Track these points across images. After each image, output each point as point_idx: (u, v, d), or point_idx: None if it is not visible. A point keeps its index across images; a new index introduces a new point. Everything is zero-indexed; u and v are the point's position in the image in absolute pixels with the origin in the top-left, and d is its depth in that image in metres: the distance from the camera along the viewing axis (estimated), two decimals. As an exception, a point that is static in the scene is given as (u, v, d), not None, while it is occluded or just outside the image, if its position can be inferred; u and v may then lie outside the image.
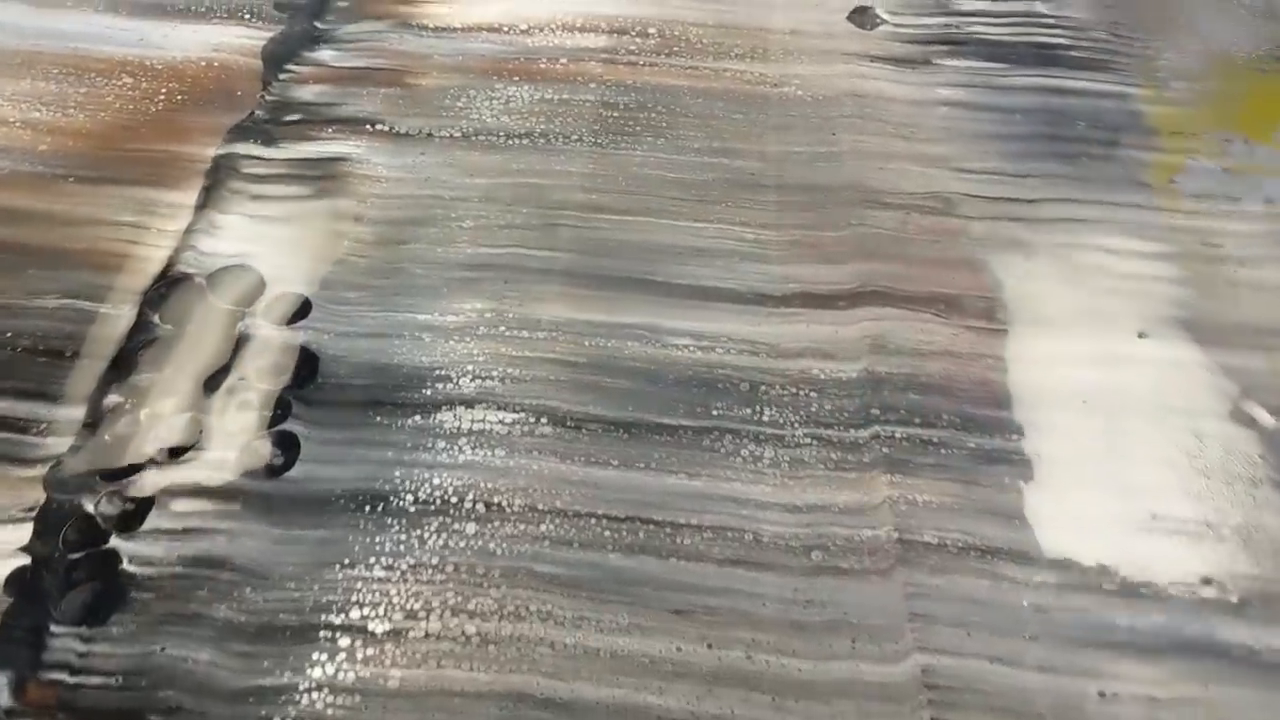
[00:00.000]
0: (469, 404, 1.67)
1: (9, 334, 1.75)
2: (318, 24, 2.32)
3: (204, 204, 1.96)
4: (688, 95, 2.20)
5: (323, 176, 2.02)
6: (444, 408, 1.67)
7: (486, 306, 1.81)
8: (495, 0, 2.39)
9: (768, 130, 2.13)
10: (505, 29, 2.32)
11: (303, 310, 1.80)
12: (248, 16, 2.33)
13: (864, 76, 2.25)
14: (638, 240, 1.93)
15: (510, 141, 2.10)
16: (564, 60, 2.26)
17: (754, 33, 2.33)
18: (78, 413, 1.65)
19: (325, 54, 2.26)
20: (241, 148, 2.06)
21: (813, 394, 1.70)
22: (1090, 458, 1.61)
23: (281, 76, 2.21)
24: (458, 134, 2.11)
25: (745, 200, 2.00)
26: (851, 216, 1.97)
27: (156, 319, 1.77)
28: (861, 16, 2.39)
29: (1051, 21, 2.41)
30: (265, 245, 1.89)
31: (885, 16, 2.38)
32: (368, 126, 2.12)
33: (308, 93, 2.18)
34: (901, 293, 1.83)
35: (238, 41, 2.28)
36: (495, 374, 1.72)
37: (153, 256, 1.87)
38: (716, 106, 2.18)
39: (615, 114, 2.16)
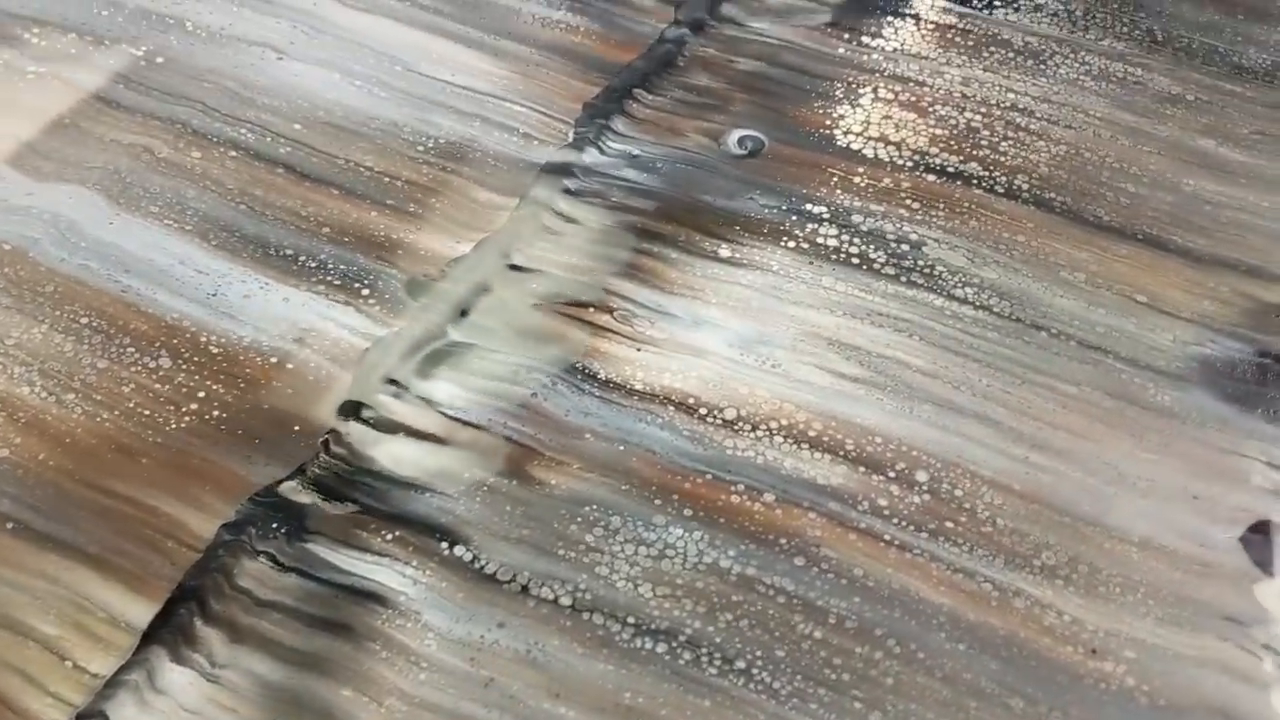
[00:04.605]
0: None
1: None
2: (451, 330, 1.68)
3: (157, 633, 1.35)
4: (944, 628, 1.41)
5: (341, 630, 1.38)
6: None
7: None
8: (705, 356, 1.68)
9: (1062, 752, 1.31)
10: (702, 409, 1.62)
11: None
12: (365, 292, 1.74)
13: (1243, 678, 1.38)
14: None
15: (639, 642, 1.39)
16: (770, 496, 1.53)
17: (1080, 529, 1.52)
18: None
19: (441, 388, 1.64)
20: (254, 537, 1.44)
21: None
22: None
23: (365, 414, 1.57)
24: (566, 600, 1.42)
25: None
26: None
27: None
28: (1265, 547, 1.52)
29: None
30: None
31: (1311, 558, 1.50)
32: (442, 546, 1.46)
33: (388, 454, 1.55)
34: None
35: (335, 332, 1.68)
36: None
37: None
38: (984, 671, 1.38)
39: (818, 634, 1.41)
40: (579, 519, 1.55)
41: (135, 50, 2.18)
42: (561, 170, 2.01)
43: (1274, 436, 1.69)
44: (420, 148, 2.03)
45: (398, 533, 1.52)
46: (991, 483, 1.62)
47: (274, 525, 1.52)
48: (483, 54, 2.22)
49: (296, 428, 1.62)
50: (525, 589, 1.48)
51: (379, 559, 1.49)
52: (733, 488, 1.60)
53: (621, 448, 1.63)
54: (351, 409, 1.64)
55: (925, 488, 1.61)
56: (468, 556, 1.50)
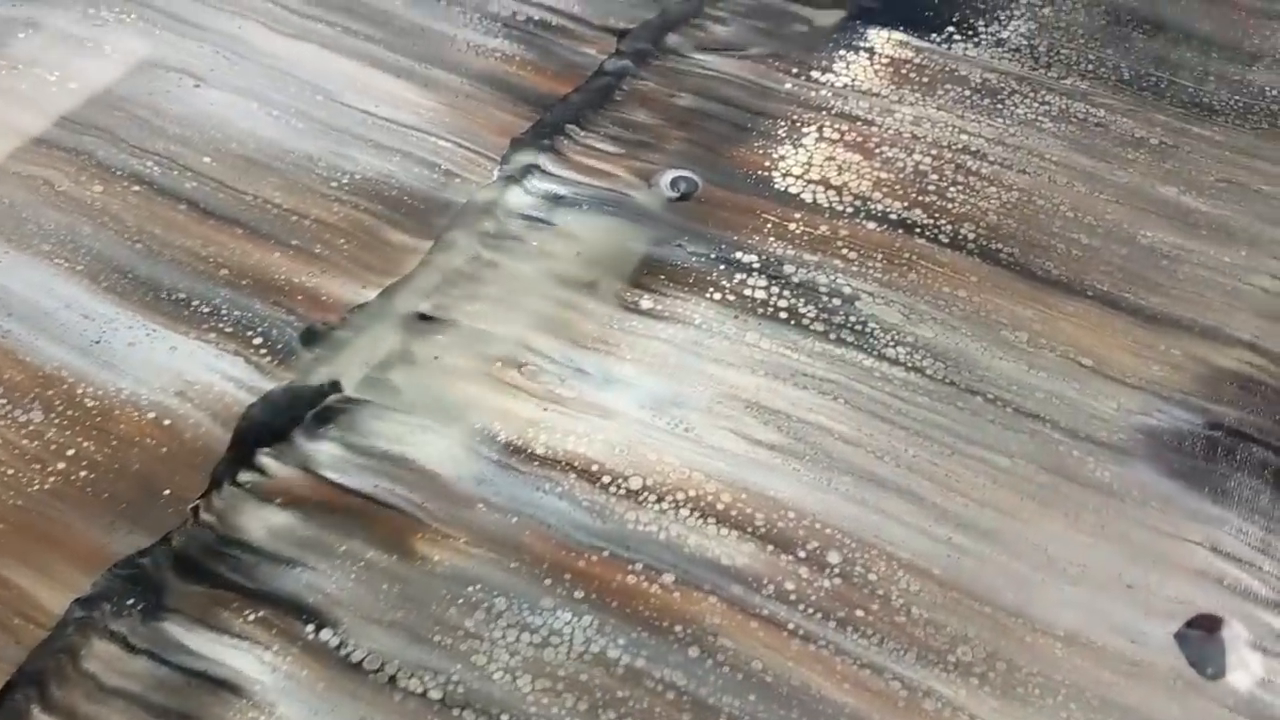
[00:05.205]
0: None
1: None
2: (345, 385, 1.56)
3: (-13, 723, 1.23)
4: (845, 729, 1.28)
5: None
6: None
7: None
8: (614, 417, 1.56)
9: None
10: (605, 477, 1.49)
11: None
12: (257, 341, 1.61)
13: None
14: None
15: (510, 743, 1.25)
16: (669, 577, 1.41)
17: (1002, 620, 1.40)
18: None
19: (324, 450, 1.51)
20: (107, 614, 1.33)
21: None
22: None
23: (242, 478, 1.45)
24: (436, 693, 1.30)
25: None
26: None
27: None
28: (1203, 645, 1.38)
29: None
30: None
31: (1258, 668, 1.36)
32: (308, 630, 1.33)
33: (261, 523, 1.43)
34: None
35: (219, 385, 1.56)
36: None
37: None
38: (885, 778, 1.25)
39: (706, 734, 1.27)
40: (460, 600, 1.43)
41: (49, 75, 2.07)
42: (482, 211, 1.89)
43: (1219, 518, 1.55)
44: (334, 184, 1.91)
45: (261, 613, 1.40)
46: (909, 566, 1.49)
47: (130, 601, 1.40)
48: (410, 84, 2.10)
49: (167, 491, 1.50)
50: (393, 680, 1.35)
51: (238, 642, 1.37)
52: (630, 567, 1.47)
53: (514, 520, 1.50)
54: (227, 472, 1.52)
55: (837, 570, 1.48)
56: (334, 641, 1.38)
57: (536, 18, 2.25)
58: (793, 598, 1.45)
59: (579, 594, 1.44)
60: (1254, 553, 1.53)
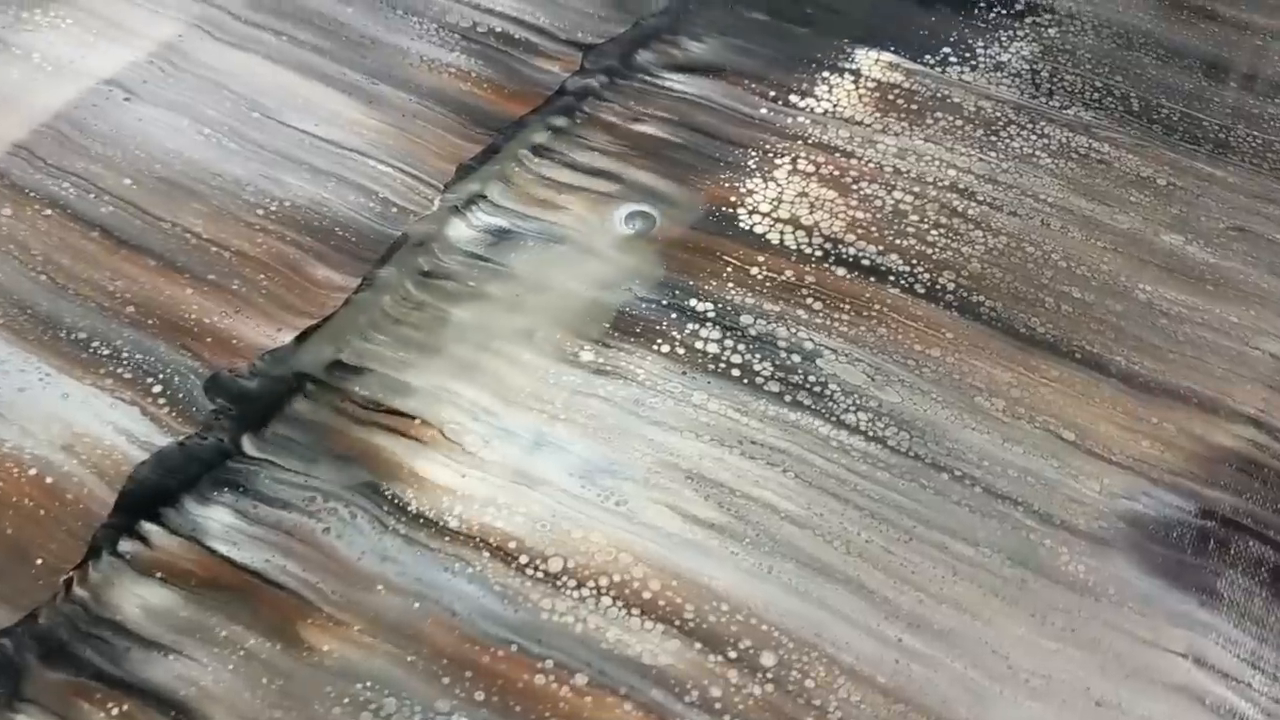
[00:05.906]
0: None
1: None
2: (248, 446, 1.41)
3: None
4: None
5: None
6: None
7: None
8: (540, 486, 1.40)
9: None
10: (523, 557, 1.35)
11: None
12: (156, 389, 1.47)
13: None
14: None
15: None
16: (581, 679, 1.26)
17: (954, 737, 1.23)
18: None
19: (218, 518, 1.36)
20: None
21: None
22: None
23: (123, 547, 1.31)
24: (308, 809, 1.14)
25: None
26: None
27: None
28: None
29: None
30: None
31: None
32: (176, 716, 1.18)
33: (137, 601, 1.30)
34: None
35: (110, 439, 1.42)
36: None
37: None
38: None
39: None
40: (347, 700, 1.28)
41: (-30, 84, 1.92)
42: (418, 246, 1.73)
43: (1205, 625, 1.38)
44: (260, 211, 1.76)
45: (125, 707, 1.26)
46: (851, 672, 1.32)
47: (-23, 692, 1.25)
48: (355, 100, 1.94)
49: (39, 560, 1.37)
50: (261, 793, 1.20)
51: (94, 742, 1.22)
52: (540, 664, 1.32)
53: (417, 605, 1.35)
54: (107, 540, 1.38)
55: (770, 675, 1.32)
56: (203, 738, 1.23)
57: (499, 30, 2.08)
58: (718, 706, 1.30)
59: (479, 695, 1.29)
60: (1242, 666, 1.36)
